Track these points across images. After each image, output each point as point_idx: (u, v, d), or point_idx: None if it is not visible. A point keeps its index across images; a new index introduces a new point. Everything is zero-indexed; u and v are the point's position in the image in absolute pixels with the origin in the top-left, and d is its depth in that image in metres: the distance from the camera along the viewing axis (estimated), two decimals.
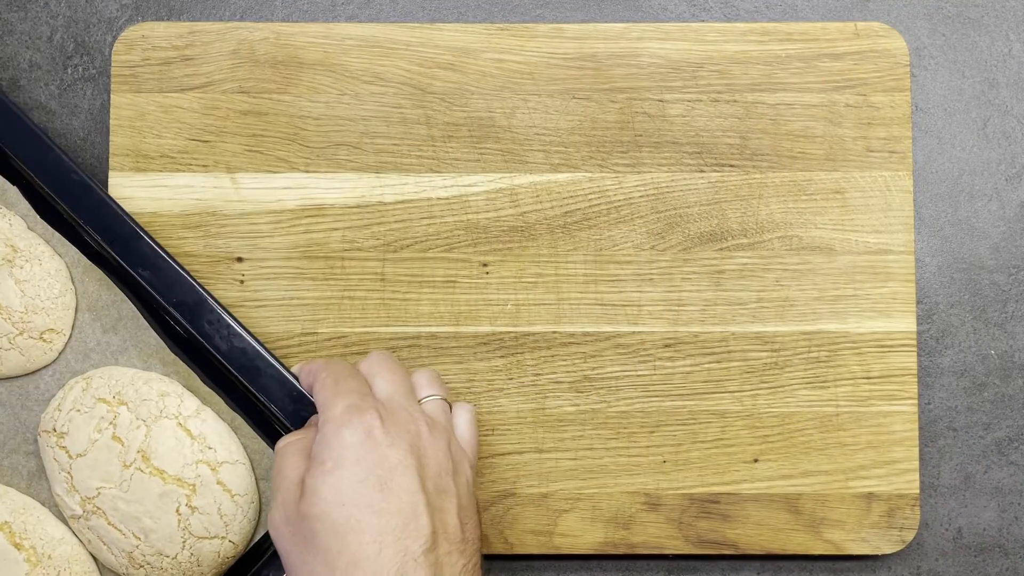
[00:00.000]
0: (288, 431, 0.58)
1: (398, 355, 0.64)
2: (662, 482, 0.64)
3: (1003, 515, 0.66)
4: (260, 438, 0.62)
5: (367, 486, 0.51)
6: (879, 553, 0.64)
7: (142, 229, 0.60)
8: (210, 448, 0.59)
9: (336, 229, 0.65)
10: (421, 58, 0.65)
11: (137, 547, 0.58)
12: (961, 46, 0.67)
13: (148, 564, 0.59)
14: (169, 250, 0.64)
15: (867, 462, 0.64)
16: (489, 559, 0.65)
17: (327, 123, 0.65)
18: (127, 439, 0.58)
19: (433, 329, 0.64)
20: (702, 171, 0.65)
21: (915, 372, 0.64)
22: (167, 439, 0.59)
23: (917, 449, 0.64)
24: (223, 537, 0.59)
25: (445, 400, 0.58)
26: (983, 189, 0.67)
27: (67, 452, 0.59)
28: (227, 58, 0.65)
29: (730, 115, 0.65)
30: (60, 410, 0.60)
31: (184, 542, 0.58)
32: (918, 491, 0.64)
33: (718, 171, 0.65)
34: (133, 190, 0.64)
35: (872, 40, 0.65)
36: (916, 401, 0.64)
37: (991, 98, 0.67)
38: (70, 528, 0.60)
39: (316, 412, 0.56)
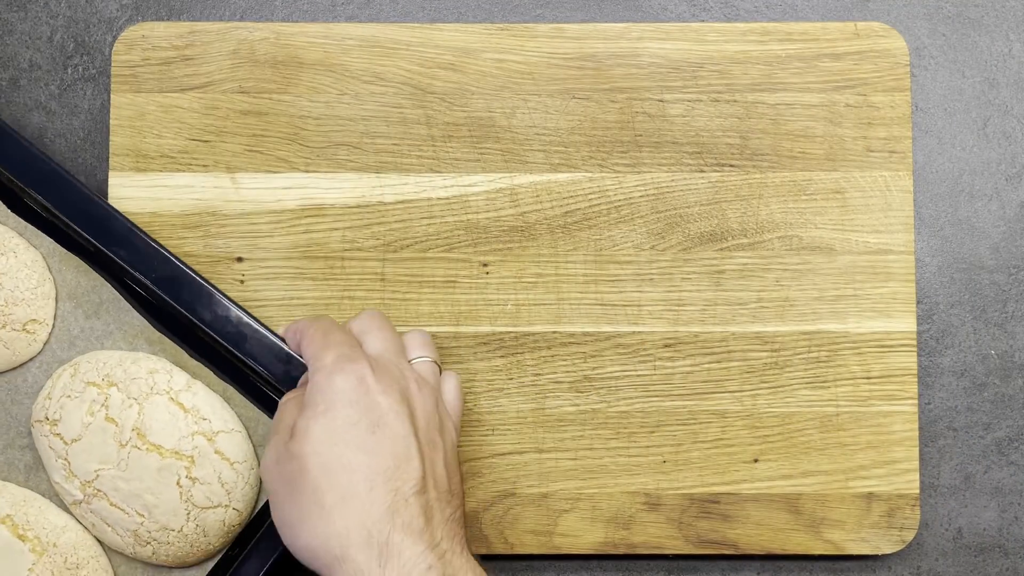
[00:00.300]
0: (280, 393, 0.59)
1: None
2: (662, 482, 0.64)
3: (1003, 515, 0.66)
4: (253, 405, 0.62)
5: (360, 428, 0.51)
6: (879, 553, 0.64)
7: (113, 208, 0.60)
8: (204, 419, 0.59)
9: (336, 229, 0.65)
10: (421, 58, 0.65)
11: (141, 524, 0.59)
12: (961, 46, 0.67)
13: (154, 540, 0.59)
14: (169, 250, 0.64)
15: (867, 462, 0.64)
16: (489, 559, 0.65)
17: (327, 123, 0.65)
18: (120, 419, 0.58)
19: (433, 329, 0.64)
20: (702, 171, 0.65)
21: (915, 372, 0.64)
22: (160, 414, 0.59)
23: (917, 449, 0.64)
24: (226, 505, 0.59)
25: (435, 363, 0.58)
26: (983, 189, 0.67)
27: (61, 439, 0.59)
28: (227, 58, 0.65)
29: (730, 115, 0.65)
30: (51, 398, 0.60)
31: (188, 514, 0.58)
32: (918, 491, 0.64)
33: (718, 171, 0.65)
34: (133, 190, 0.64)
35: (872, 40, 0.65)
36: (916, 401, 0.64)
37: (991, 98, 0.67)
38: (72, 515, 0.60)
39: (306, 371, 0.56)
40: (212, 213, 0.64)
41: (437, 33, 0.65)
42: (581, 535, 0.64)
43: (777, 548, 0.64)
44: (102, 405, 0.59)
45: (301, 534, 0.51)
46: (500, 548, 0.64)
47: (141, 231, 0.60)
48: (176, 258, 0.59)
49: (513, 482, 0.64)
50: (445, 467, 0.54)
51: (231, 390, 0.62)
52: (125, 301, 0.62)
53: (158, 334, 0.62)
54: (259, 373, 0.59)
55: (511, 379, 0.64)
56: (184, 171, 0.64)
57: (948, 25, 0.67)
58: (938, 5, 0.68)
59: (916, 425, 0.64)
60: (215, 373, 0.62)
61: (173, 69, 0.65)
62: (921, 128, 0.67)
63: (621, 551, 0.64)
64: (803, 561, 0.65)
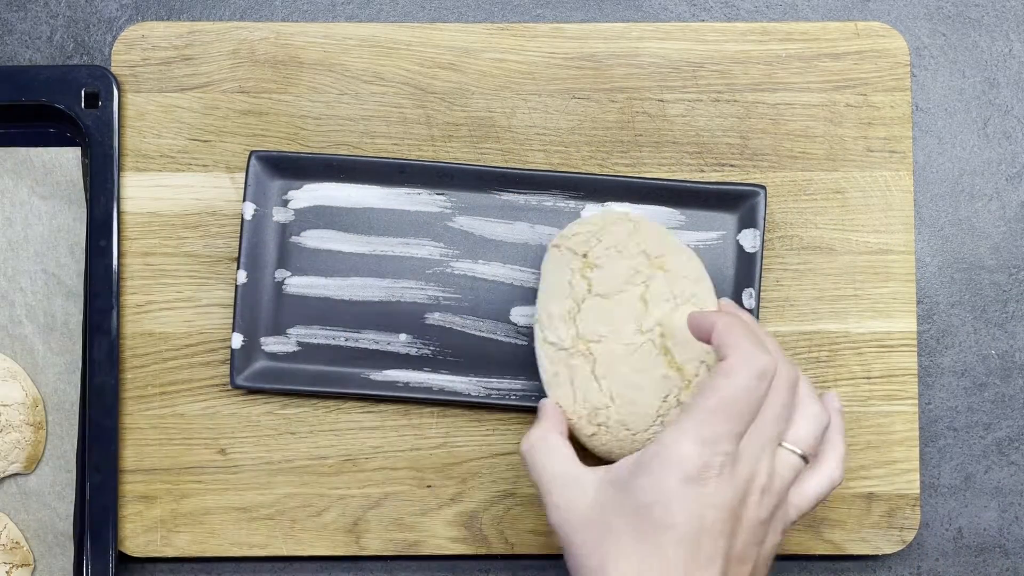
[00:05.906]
0: None
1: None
2: None
3: (1003, 515, 0.66)
4: None
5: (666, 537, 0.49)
6: (879, 553, 0.64)
7: None
8: (709, 352, 0.57)
9: None
10: (421, 58, 0.65)
11: (607, 407, 0.57)
12: (961, 46, 0.67)
13: (604, 426, 0.57)
14: (169, 250, 0.64)
15: (867, 462, 0.64)
16: (489, 559, 0.65)
17: (327, 123, 0.65)
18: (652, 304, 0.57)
19: None
20: (702, 171, 0.65)
21: (915, 372, 0.64)
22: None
23: (917, 449, 0.64)
24: None
25: (804, 458, 0.52)
26: (983, 189, 0.67)
27: (589, 284, 0.58)
28: (227, 58, 0.65)
29: (730, 115, 0.65)
30: (599, 240, 0.58)
31: (649, 428, 0.57)
32: (918, 491, 0.64)
33: (718, 171, 0.65)
34: (133, 190, 0.64)
35: (872, 40, 0.65)
36: (916, 401, 0.64)
37: (991, 98, 0.67)
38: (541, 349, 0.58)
39: None
40: (212, 213, 0.64)
41: (437, 33, 0.65)
42: None
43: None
44: (643, 282, 0.57)
45: None
46: (500, 548, 0.64)
47: None
48: None
49: (513, 482, 0.64)
50: None
51: None
52: None
53: None
54: None
55: None
56: (184, 171, 0.64)
57: (948, 25, 0.67)
58: (938, 5, 0.68)
59: (916, 425, 0.64)
60: None
61: (173, 69, 0.65)
62: (921, 128, 0.67)
63: None
64: (803, 561, 0.65)
